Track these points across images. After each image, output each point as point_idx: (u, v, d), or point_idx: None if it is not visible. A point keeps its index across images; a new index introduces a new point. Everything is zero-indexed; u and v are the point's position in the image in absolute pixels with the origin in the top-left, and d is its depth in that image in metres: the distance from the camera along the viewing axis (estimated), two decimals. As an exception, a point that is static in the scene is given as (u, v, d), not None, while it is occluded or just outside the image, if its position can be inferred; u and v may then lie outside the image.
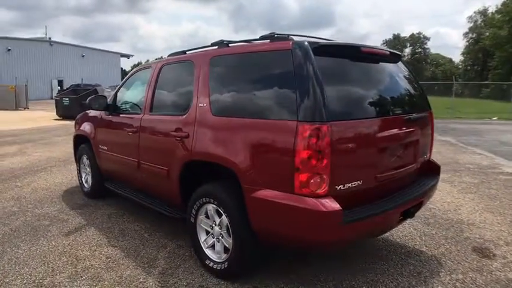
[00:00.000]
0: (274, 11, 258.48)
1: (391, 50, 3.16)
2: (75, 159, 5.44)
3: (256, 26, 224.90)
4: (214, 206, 2.86)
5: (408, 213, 2.81)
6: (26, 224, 4.16)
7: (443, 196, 5.06)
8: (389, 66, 3.11)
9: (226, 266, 2.80)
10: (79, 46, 44.08)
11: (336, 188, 2.34)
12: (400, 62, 3.27)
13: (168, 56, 3.94)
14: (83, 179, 5.25)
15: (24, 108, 23.18)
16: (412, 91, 3.26)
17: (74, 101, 16.52)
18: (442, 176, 3.50)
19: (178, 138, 3.14)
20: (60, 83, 38.30)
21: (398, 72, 3.19)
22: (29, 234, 3.88)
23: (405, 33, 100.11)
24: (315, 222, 2.26)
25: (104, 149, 4.53)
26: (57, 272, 3.10)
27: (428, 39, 79.76)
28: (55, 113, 17.92)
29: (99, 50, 46.76)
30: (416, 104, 3.23)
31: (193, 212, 3.05)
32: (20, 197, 5.19)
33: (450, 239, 3.66)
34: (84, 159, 5.11)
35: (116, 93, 4.56)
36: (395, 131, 2.75)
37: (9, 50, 35.23)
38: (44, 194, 5.30)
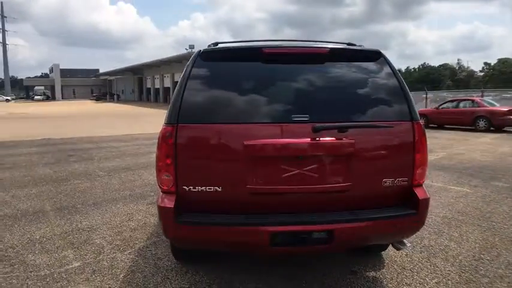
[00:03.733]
0: None
1: (343, 47, 2.78)
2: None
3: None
4: None
5: (296, 238, 2.33)
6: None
7: None
8: (329, 66, 2.58)
9: None
10: None
11: (185, 189, 2.35)
12: (369, 62, 2.64)
13: None
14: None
15: None
16: (373, 96, 2.54)
17: None
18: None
19: None
20: None
21: (348, 72, 2.62)
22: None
23: None
24: (159, 216, 2.43)
25: None
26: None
27: None
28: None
29: None
30: (371, 112, 2.47)
31: None
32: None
33: None
34: None
35: None
36: (286, 140, 2.32)
37: None
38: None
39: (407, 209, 2.45)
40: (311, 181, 2.36)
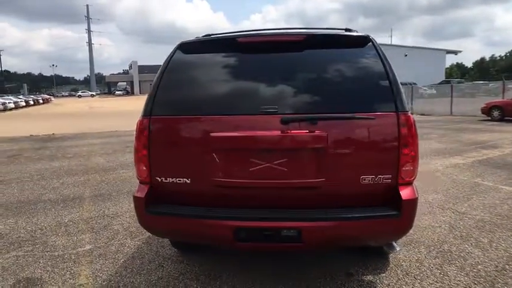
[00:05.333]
0: None
1: (322, 33, 2.57)
2: None
3: None
4: None
5: (261, 234, 2.22)
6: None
7: None
8: (306, 54, 2.40)
9: None
10: (402, 46, 46.34)
11: (158, 180, 2.40)
12: (354, 47, 2.44)
13: None
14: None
15: None
16: (354, 85, 2.32)
17: None
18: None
19: None
20: None
21: (328, 60, 2.42)
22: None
23: None
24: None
25: None
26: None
27: None
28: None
29: (424, 48, 47.54)
30: (350, 103, 2.26)
31: None
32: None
33: None
34: None
35: None
36: (251, 132, 2.23)
37: None
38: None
39: (388, 210, 2.21)
40: (281, 176, 2.24)
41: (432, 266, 2.94)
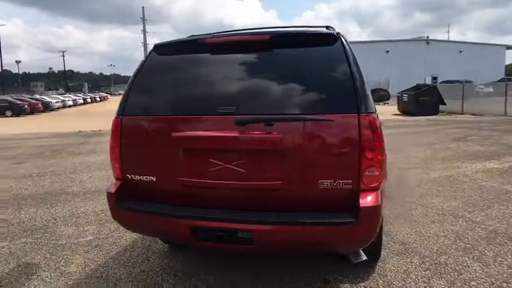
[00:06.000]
0: None
1: (288, 32, 2.50)
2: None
3: None
4: None
5: (215, 234, 2.22)
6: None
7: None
8: (269, 54, 2.36)
9: None
10: (457, 42, 44.66)
11: (128, 177, 2.50)
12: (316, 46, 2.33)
13: None
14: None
15: (384, 104, 23.54)
16: (315, 86, 2.24)
17: (411, 97, 17.83)
18: None
19: None
20: (434, 80, 35.96)
21: (290, 59, 2.35)
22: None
23: None
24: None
25: None
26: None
27: None
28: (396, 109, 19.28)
29: (480, 44, 45.02)
30: (310, 104, 2.20)
31: None
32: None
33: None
34: None
35: None
36: (208, 133, 2.25)
37: (387, 51, 39.94)
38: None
39: (346, 217, 2.10)
40: (239, 177, 2.23)
41: (419, 278, 2.75)
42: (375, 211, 2.10)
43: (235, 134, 2.19)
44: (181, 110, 2.39)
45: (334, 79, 2.24)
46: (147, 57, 2.65)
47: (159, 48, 2.64)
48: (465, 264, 2.93)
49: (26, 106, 26.24)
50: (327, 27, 2.69)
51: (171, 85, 2.51)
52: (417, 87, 19.25)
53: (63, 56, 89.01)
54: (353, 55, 2.25)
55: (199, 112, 2.33)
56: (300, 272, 2.86)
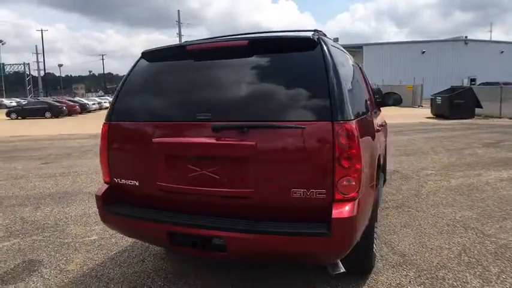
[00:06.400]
0: None
1: (267, 37, 2.51)
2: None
3: None
4: None
5: (190, 240, 2.28)
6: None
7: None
8: (247, 60, 2.36)
9: None
10: (498, 42, 42.98)
11: (115, 180, 2.59)
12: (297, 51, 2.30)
13: None
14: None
15: (418, 106, 24.65)
16: (291, 92, 2.22)
17: (445, 100, 17.27)
18: None
19: None
20: (472, 81, 35.38)
21: (268, 65, 2.35)
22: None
23: None
24: None
25: None
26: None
27: None
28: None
29: None
30: (284, 111, 2.18)
31: None
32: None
33: None
34: None
35: None
36: (185, 139, 2.30)
37: (423, 52, 39.22)
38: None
39: (317, 228, 2.05)
40: (213, 184, 2.25)
41: (411, 292, 2.64)
42: (349, 222, 2.04)
43: (210, 141, 2.21)
44: (161, 117, 2.45)
45: (309, 85, 2.20)
46: (135, 64, 2.72)
47: (147, 56, 2.71)
48: (464, 280, 2.77)
49: (64, 108, 27.66)
50: (315, 30, 2.65)
51: (153, 92, 2.58)
52: (452, 89, 18.39)
53: (103, 59, 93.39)
54: (333, 60, 2.20)
55: (179, 119, 2.38)
56: (288, 280, 2.83)
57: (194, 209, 2.36)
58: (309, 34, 2.41)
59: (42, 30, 64.62)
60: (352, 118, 2.12)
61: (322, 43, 2.26)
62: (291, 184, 2.11)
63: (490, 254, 3.18)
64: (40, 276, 2.99)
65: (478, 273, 2.87)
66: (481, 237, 3.53)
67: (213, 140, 2.20)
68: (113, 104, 2.66)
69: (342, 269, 2.26)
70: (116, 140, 2.60)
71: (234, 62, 2.43)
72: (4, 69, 57.42)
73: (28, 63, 61.17)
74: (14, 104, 39.13)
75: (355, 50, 36.43)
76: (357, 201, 2.11)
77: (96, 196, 2.64)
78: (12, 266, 3.18)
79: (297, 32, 2.72)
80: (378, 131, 3.81)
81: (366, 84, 3.90)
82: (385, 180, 5.62)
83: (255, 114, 2.21)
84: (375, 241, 3.07)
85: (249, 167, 2.18)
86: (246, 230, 2.13)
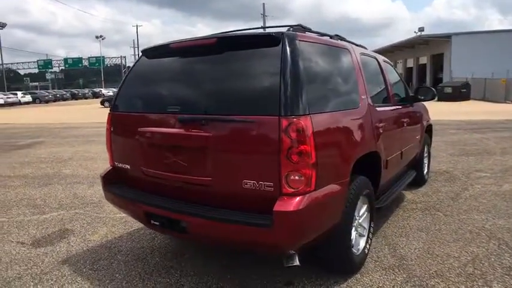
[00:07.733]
0: None
1: (234, 35, 2.68)
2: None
3: None
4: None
5: (160, 220, 2.54)
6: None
7: None
8: (216, 57, 2.53)
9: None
10: None
11: (116, 164, 2.97)
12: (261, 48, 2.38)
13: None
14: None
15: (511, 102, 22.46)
16: (249, 87, 2.34)
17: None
18: None
19: None
20: None
21: (234, 61, 2.47)
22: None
23: None
24: None
25: None
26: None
27: None
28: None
29: None
30: (240, 104, 2.28)
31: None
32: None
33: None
34: None
35: None
36: (159, 129, 2.57)
37: None
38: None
39: (260, 219, 2.13)
40: (182, 171, 2.48)
41: (390, 296, 2.54)
42: (293, 217, 2.07)
43: (176, 131, 2.45)
44: (144, 108, 2.79)
45: (265, 81, 2.30)
46: (137, 60, 3.07)
47: (146, 52, 3.00)
48: (457, 292, 2.57)
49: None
50: (299, 25, 2.70)
51: (143, 86, 2.90)
52: None
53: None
54: (293, 57, 2.23)
55: (157, 110, 2.66)
56: (268, 270, 2.91)
57: (170, 193, 2.62)
58: (277, 31, 2.45)
59: (137, 26, 70.64)
60: (307, 113, 2.13)
61: (286, 40, 2.29)
62: (243, 175, 2.23)
63: (502, 268, 2.87)
64: (67, 243, 3.54)
65: (478, 286, 2.63)
66: (503, 249, 3.18)
67: (178, 131, 2.44)
68: (115, 96, 3.04)
69: (296, 263, 2.29)
70: (115, 128, 2.97)
71: (204, 59, 2.63)
72: (104, 62, 64.69)
73: (125, 56, 68.03)
74: (111, 93, 44.04)
75: (442, 39, 33.21)
76: (307, 196, 2.12)
77: (100, 176, 3.04)
78: (49, 233, 3.80)
79: (282, 28, 2.75)
80: (395, 126, 3.65)
81: (384, 80, 3.74)
82: (424, 181, 5.26)
83: (214, 108, 2.38)
84: (369, 241, 3.01)
85: (206, 157, 2.36)
86: (200, 215, 2.32)
